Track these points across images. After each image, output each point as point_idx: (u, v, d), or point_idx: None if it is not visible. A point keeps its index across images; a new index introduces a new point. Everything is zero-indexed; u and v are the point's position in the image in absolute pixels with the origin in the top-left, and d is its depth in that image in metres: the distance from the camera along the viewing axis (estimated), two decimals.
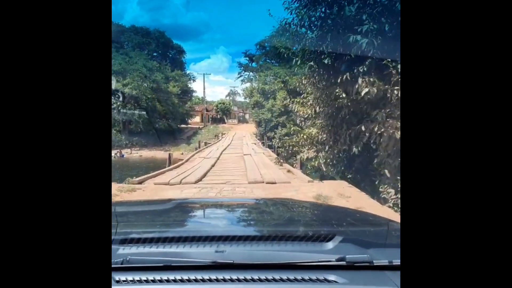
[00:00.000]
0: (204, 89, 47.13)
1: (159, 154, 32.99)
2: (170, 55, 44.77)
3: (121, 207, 1.99)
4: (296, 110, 8.23)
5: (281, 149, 9.15)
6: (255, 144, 19.04)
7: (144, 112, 33.98)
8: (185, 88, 41.51)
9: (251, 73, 42.32)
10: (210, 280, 0.91)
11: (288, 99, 32.54)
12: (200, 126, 43.42)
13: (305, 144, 8.46)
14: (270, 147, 19.53)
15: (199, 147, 18.17)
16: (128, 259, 0.95)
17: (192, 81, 44.97)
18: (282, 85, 32.35)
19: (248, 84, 35.86)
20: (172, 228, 1.48)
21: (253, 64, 43.76)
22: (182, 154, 31.80)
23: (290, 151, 8.75)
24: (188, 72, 46.11)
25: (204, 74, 46.43)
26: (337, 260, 0.97)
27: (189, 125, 43.15)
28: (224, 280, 0.91)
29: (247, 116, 60.94)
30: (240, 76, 41.07)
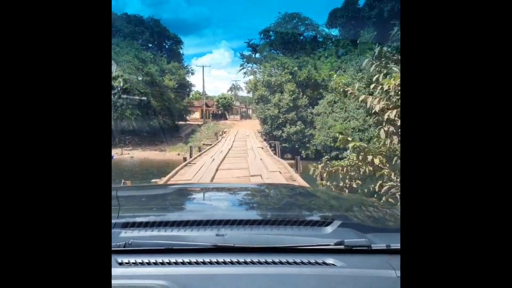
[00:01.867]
0: (203, 82, 43.65)
1: (153, 155, 29.95)
2: (167, 46, 41.31)
3: (123, 191, 2.01)
4: (370, 105, 4.47)
5: (327, 175, 3.95)
6: (262, 148, 15.49)
7: (137, 108, 30.73)
8: (182, 82, 38.18)
9: (254, 64, 38.87)
10: (211, 262, 0.93)
11: (298, 92, 29.65)
12: (200, 123, 40.08)
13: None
14: (283, 153, 16.14)
15: (190, 155, 14.20)
16: (130, 242, 0.96)
17: (190, 74, 41.60)
18: (290, 76, 28.88)
19: (251, 77, 32.49)
20: (173, 212, 1.50)
21: (257, 55, 40.30)
22: (179, 154, 29.12)
23: (348, 183, 3.82)
24: (186, 64, 42.63)
25: (203, 66, 42.90)
26: (336, 244, 0.99)
27: (188, 122, 39.88)
28: (225, 262, 0.93)
29: (250, 112, 58.06)
30: (243, 68, 37.65)
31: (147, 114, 31.72)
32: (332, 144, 25.29)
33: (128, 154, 30.06)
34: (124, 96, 29.02)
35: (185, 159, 10.63)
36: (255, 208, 1.72)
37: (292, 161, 11.67)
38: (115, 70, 28.03)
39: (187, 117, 39.89)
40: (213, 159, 10.17)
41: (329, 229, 1.12)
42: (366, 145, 4.09)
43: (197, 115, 43.63)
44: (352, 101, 26.68)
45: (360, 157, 4.06)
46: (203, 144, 28.51)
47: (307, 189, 2.92)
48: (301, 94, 27.77)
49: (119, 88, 29.09)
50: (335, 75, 5.18)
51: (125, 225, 1.11)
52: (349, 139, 4.03)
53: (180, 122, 38.39)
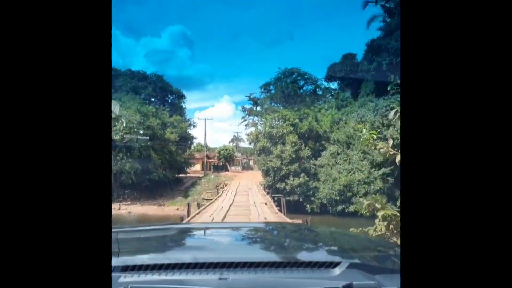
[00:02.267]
0: (205, 135, 43.74)
1: (151, 210, 28.91)
2: (169, 100, 41.91)
3: (123, 233, 1.85)
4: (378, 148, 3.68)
5: None
6: (266, 204, 14.52)
7: (137, 162, 30.25)
8: (184, 135, 38.13)
9: (256, 117, 39.14)
10: None
11: (300, 144, 29.26)
12: (200, 175, 39.36)
13: None
14: (287, 207, 15.07)
15: (188, 214, 13.12)
16: (129, 287, 0.94)
17: (192, 127, 41.74)
18: (292, 128, 28.67)
19: (252, 129, 32.37)
20: (175, 255, 1.42)
21: (258, 108, 40.80)
22: (177, 209, 28.14)
23: None
24: (188, 118, 42.94)
25: (205, 119, 43.20)
26: (344, 287, 0.96)
27: (188, 174, 39.20)
28: None
29: (251, 162, 57.61)
30: (244, 120, 37.79)
31: (147, 168, 31.19)
32: (338, 198, 24.37)
33: (126, 209, 29.03)
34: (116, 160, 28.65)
35: (182, 218, 9.68)
36: (259, 249, 1.66)
37: (300, 221, 10.61)
38: (118, 111, 27.74)
39: (188, 170, 39.28)
40: (213, 218, 9.28)
41: (337, 270, 1.10)
42: (398, 214, 3.39)
43: (198, 167, 43.09)
44: (356, 152, 26.47)
45: (391, 227, 3.36)
46: (203, 199, 27.59)
47: (315, 228, 2.86)
48: (303, 145, 27.37)
49: (118, 143, 28.80)
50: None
51: (125, 269, 1.07)
52: (378, 205, 3.34)
53: (181, 175, 37.74)
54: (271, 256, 1.39)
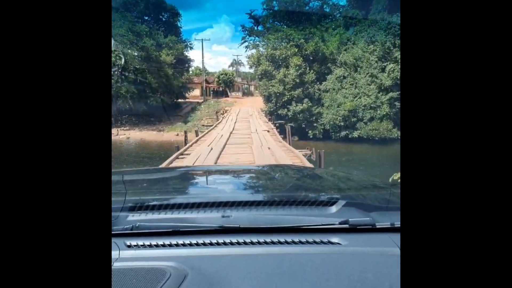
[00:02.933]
0: (203, 57, 41.35)
1: (150, 135, 28.36)
2: (163, 19, 38.68)
3: (129, 175, 1.99)
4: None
5: None
6: (268, 131, 13.49)
7: (133, 86, 28.91)
8: (180, 57, 35.87)
9: (257, 38, 36.57)
10: (217, 243, 0.94)
11: (305, 67, 27.52)
12: (199, 101, 38.14)
13: None
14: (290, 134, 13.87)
15: (185, 142, 11.95)
16: (137, 225, 0.98)
17: (189, 48, 39.18)
18: (296, 49, 26.56)
19: (254, 51, 30.16)
20: (179, 195, 1.49)
21: (259, 27, 37.88)
22: (177, 135, 27.59)
23: None
24: (184, 39, 40.11)
25: (202, 40, 40.38)
26: (340, 223, 1.00)
27: (187, 100, 37.96)
28: (231, 243, 0.94)
29: (252, 88, 55.99)
30: (244, 41, 35.19)
31: (143, 92, 29.93)
32: (342, 124, 23.54)
33: (125, 134, 28.49)
34: (122, 74, 27.30)
35: (177, 148, 8.74)
36: (260, 190, 1.71)
37: (307, 151, 9.58)
38: (113, 46, 26.36)
39: (186, 95, 37.91)
40: (211, 149, 8.35)
41: (333, 208, 1.13)
42: None
43: (197, 92, 41.65)
44: (363, 75, 24.99)
45: None
46: (202, 126, 26.75)
47: (313, 170, 2.83)
48: (308, 69, 25.67)
49: (117, 65, 27.30)
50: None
51: (132, 209, 1.11)
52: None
53: (179, 100, 36.54)
54: (271, 196, 1.48)
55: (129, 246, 0.93)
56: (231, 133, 12.83)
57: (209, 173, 2.10)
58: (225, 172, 2.21)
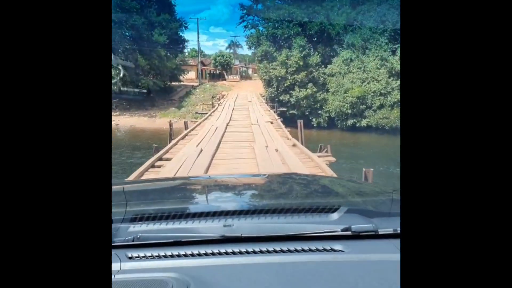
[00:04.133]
0: (198, 37, 38.86)
1: (141, 121, 26.33)
2: None
3: (130, 186, 2.00)
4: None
5: None
6: (271, 123, 11.40)
7: (122, 67, 26.72)
8: (174, 37, 33.40)
9: (256, 17, 34.17)
10: (219, 253, 0.94)
11: (309, 48, 25.36)
12: (195, 84, 35.95)
13: None
14: (291, 122, 11.21)
15: (170, 137, 9.68)
16: (138, 236, 0.98)
17: (184, 28, 36.68)
18: (300, 29, 24.65)
19: (253, 31, 27.87)
20: (180, 205, 1.46)
21: (259, 5, 35.48)
22: (170, 122, 25.62)
23: None
24: (179, 18, 37.52)
25: (198, 18, 37.83)
26: (343, 230, 1.00)
27: (182, 83, 35.72)
28: (233, 253, 0.94)
29: (250, 71, 53.67)
30: (243, 21, 32.80)
31: (134, 74, 27.79)
32: (349, 111, 21.63)
33: (113, 121, 26.47)
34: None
35: (157, 149, 6.64)
36: (261, 198, 1.68)
37: (326, 155, 7.29)
38: None
39: (181, 77, 35.64)
40: (201, 150, 6.21)
41: (335, 215, 1.13)
42: None
43: (192, 75, 39.36)
44: (372, 58, 23.01)
45: None
46: (196, 113, 24.64)
47: (314, 177, 2.77)
48: (312, 50, 23.53)
49: None
50: None
51: (133, 220, 1.10)
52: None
53: (173, 83, 34.30)
54: (272, 204, 1.45)
55: (131, 258, 0.93)
56: (227, 124, 10.68)
57: (210, 183, 2.06)
58: (226, 181, 2.16)
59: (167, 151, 6.44)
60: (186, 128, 10.79)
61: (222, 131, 9.13)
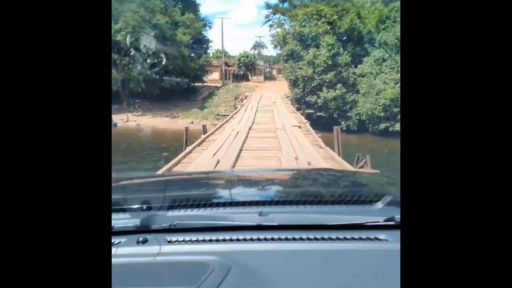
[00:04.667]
0: (222, 37, 38.11)
1: (162, 122, 25.78)
2: None
3: (167, 177, 2.13)
4: None
5: None
6: (299, 128, 10.18)
7: (146, 68, 26.27)
8: (198, 37, 32.90)
9: (282, 15, 33.03)
10: (258, 239, 0.93)
11: (338, 47, 23.97)
12: (218, 85, 35.23)
13: None
14: (317, 124, 9.80)
15: (186, 143, 8.63)
16: (175, 223, 0.99)
17: (208, 27, 36.11)
18: (329, 27, 23.36)
19: (279, 30, 26.82)
20: (216, 195, 1.50)
21: (285, 4, 34.29)
22: (192, 123, 24.92)
23: None
24: (203, 17, 36.96)
25: (222, 18, 37.18)
26: (386, 220, 0.98)
27: (205, 84, 35.10)
28: (273, 239, 0.93)
29: (274, 72, 52.53)
30: (268, 20, 31.78)
31: (157, 74, 27.36)
32: (381, 114, 20.12)
33: (135, 121, 26.05)
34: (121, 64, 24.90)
35: (166, 159, 5.70)
36: (300, 190, 1.62)
37: (362, 168, 5.91)
38: (123, 23, 24.13)
39: (204, 78, 35.03)
40: (218, 161, 5.29)
41: (378, 205, 1.10)
42: None
43: (216, 75, 38.72)
44: None
45: None
46: (217, 115, 23.73)
47: (350, 171, 2.69)
48: (341, 49, 22.16)
49: (123, 44, 24.89)
50: None
51: (171, 207, 1.11)
52: None
53: (197, 84, 33.73)
54: (310, 194, 1.40)
55: (170, 242, 0.94)
56: (250, 128, 9.55)
57: (245, 176, 2.07)
58: (261, 175, 2.13)
59: (178, 162, 5.39)
60: (204, 132, 9.73)
61: (244, 137, 7.99)
